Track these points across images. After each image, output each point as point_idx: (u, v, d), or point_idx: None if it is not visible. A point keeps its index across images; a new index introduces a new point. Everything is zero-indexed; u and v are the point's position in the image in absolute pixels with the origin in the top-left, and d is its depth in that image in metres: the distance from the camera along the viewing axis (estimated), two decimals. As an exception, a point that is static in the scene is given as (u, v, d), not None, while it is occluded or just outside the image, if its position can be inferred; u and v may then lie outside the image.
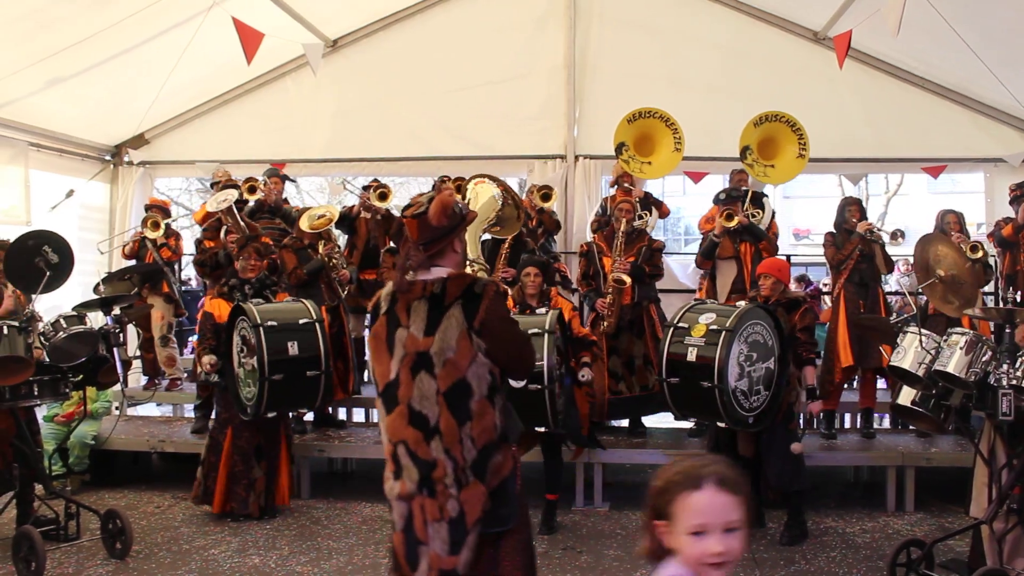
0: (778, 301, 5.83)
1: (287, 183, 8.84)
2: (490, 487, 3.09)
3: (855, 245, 7.19)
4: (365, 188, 8.27)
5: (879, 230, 7.36)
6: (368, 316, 3.25)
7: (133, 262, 8.46)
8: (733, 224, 7.32)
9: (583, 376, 6.04)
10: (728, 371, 5.17)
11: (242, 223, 7.49)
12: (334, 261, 7.48)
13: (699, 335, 5.32)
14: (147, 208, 8.63)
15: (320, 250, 7.44)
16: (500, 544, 3.16)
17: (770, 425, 5.59)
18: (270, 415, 6.15)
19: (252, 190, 8.02)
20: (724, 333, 5.18)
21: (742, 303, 5.65)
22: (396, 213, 7.98)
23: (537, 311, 5.95)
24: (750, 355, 5.28)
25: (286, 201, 8.42)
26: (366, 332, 8.90)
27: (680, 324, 5.52)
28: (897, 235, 7.25)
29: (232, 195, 7.64)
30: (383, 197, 7.99)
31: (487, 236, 7.40)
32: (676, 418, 7.00)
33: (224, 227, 7.56)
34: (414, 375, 3.07)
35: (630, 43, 9.16)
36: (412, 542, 3.08)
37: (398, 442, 3.11)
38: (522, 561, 3.22)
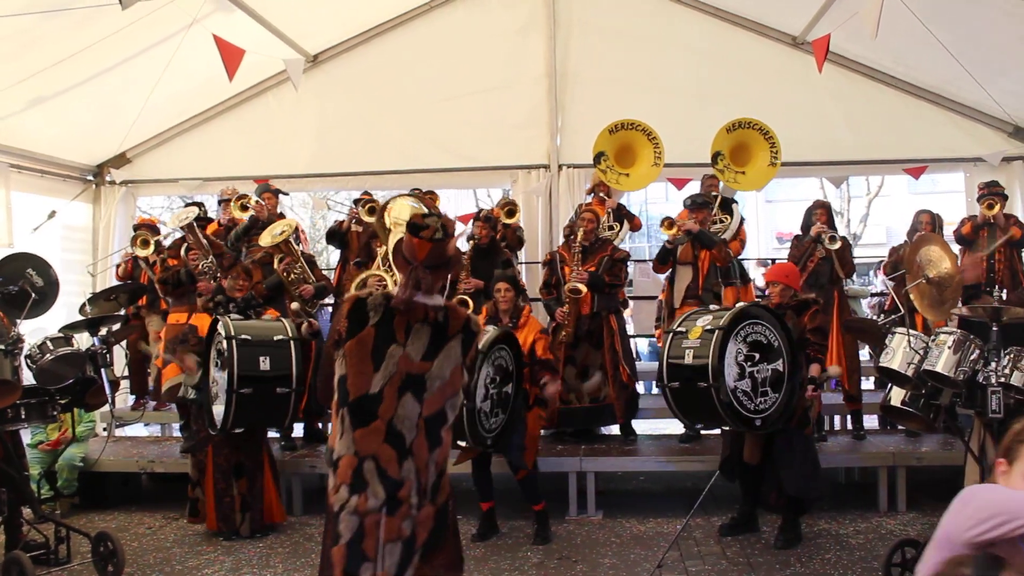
0: (788, 305, 5.82)
1: (282, 197, 8.77)
2: (437, 506, 3.18)
3: (806, 247, 7.25)
4: (356, 202, 8.26)
5: (828, 235, 7.31)
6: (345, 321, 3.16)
7: (128, 283, 8.41)
8: (672, 233, 7.41)
9: (544, 390, 5.89)
10: (724, 370, 5.14)
11: (203, 241, 7.44)
12: (292, 276, 7.43)
13: (695, 337, 5.32)
14: (135, 228, 8.57)
15: (275, 265, 7.41)
16: (433, 559, 3.17)
17: (784, 430, 5.56)
18: (237, 431, 6.04)
19: (244, 208, 7.97)
20: (717, 332, 5.18)
21: (739, 303, 5.63)
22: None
23: (490, 328, 5.77)
24: (751, 355, 5.25)
25: (281, 215, 8.36)
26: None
27: (679, 329, 5.52)
28: (833, 239, 7.25)
29: (192, 212, 7.59)
30: (372, 212, 7.96)
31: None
32: (686, 429, 7.05)
33: (185, 244, 7.51)
34: (400, 395, 3.08)
35: (610, 51, 9.20)
36: (356, 557, 3.03)
37: (367, 456, 3.07)
38: (455, 566, 3.29)
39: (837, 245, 7.11)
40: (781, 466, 5.63)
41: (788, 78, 8.97)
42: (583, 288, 7.07)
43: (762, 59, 9.10)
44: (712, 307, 5.98)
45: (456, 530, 3.38)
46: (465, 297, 6.76)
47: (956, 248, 7.97)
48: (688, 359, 5.33)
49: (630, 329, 9.47)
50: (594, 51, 9.24)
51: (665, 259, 7.56)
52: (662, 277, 8.07)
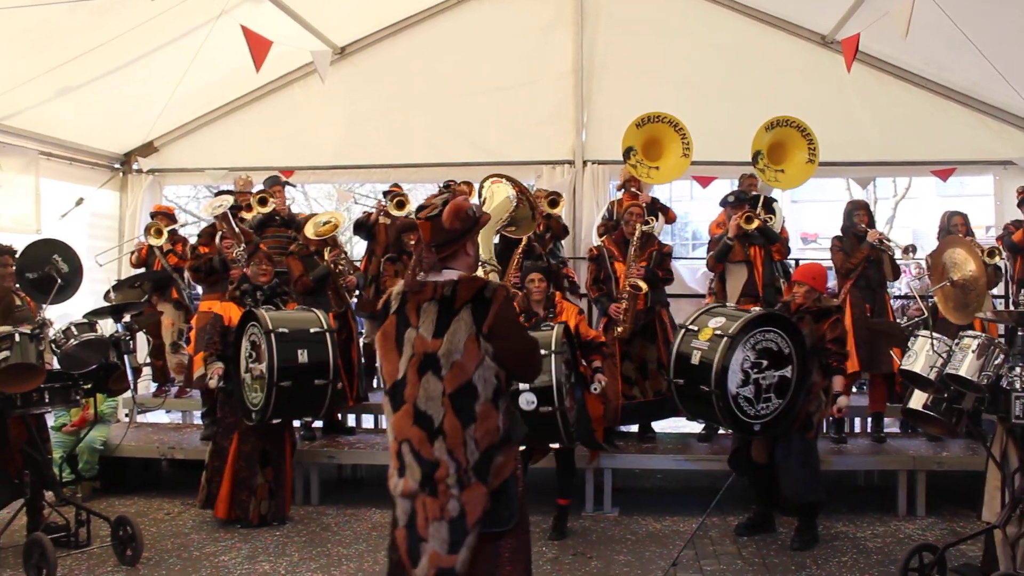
0: (808, 309, 5.78)
1: (291, 190, 8.82)
2: (491, 488, 3.11)
3: (864, 254, 7.17)
4: (385, 194, 8.29)
5: (889, 240, 7.33)
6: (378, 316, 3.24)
7: (142, 270, 8.49)
8: (753, 227, 7.24)
9: (594, 389, 6.01)
10: (728, 378, 5.10)
11: (236, 229, 7.50)
12: (340, 267, 7.48)
13: (705, 339, 5.29)
14: (152, 215, 8.65)
15: (326, 256, 7.45)
16: (500, 545, 3.19)
17: (785, 434, 5.54)
18: (275, 421, 6.16)
19: (263, 202, 8.01)
20: (725, 339, 5.14)
21: (756, 308, 5.59)
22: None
23: (543, 325, 5.84)
24: (758, 362, 5.21)
25: (288, 208, 8.41)
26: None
27: (691, 326, 5.49)
28: (909, 250, 7.22)
29: (227, 201, 7.64)
30: (400, 205, 7.98)
31: (497, 239, 7.43)
32: (689, 419, 7.00)
33: (219, 232, 7.57)
34: (420, 375, 3.10)
35: (637, 47, 9.16)
36: (415, 539, 3.10)
37: (403, 440, 3.14)
38: (523, 566, 3.26)
39: (914, 255, 7.09)
40: (780, 468, 5.61)
41: (816, 77, 8.90)
42: (644, 285, 7.03)
43: (790, 58, 9.04)
44: (728, 305, 5.94)
45: (526, 526, 3.34)
46: (517, 291, 6.69)
47: (1006, 255, 7.86)
48: (695, 359, 5.31)
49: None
50: (620, 47, 9.21)
51: (723, 257, 7.41)
52: (688, 275, 8.02)
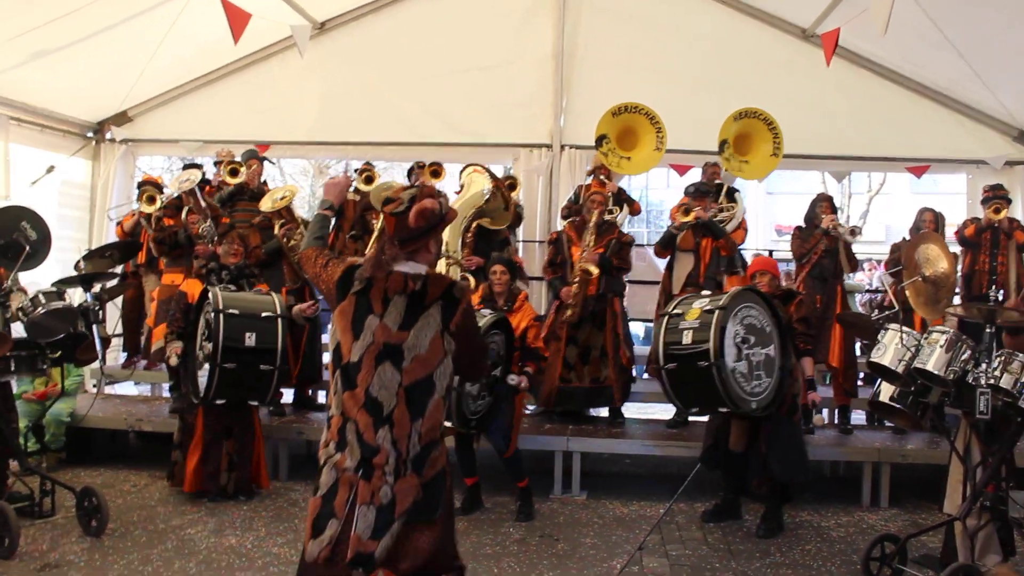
0: (773, 295, 5.83)
1: (268, 165, 8.75)
2: (425, 479, 3.16)
3: (817, 239, 7.29)
4: (357, 171, 8.24)
5: (841, 226, 7.39)
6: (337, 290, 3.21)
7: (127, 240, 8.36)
8: (689, 219, 7.37)
9: (518, 383, 5.90)
10: (724, 350, 5.12)
11: (203, 204, 7.42)
12: (292, 242, 7.41)
13: (693, 318, 5.31)
14: (140, 185, 8.53)
15: (275, 230, 7.39)
16: (420, 532, 3.17)
17: (774, 417, 5.58)
18: (218, 402, 6.08)
19: (234, 173, 7.93)
20: (718, 311, 5.17)
21: (734, 288, 5.63)
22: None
23: (487, 313, 5.77)
24: (747, 338, 5.24)
25: (264, 183, 8.34)
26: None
27: (675, 312, 5.50)
28: (855, 231, 7.32)
29: (195, 176, 7.56)
30: (369, 180, 7.97)
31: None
32: (679, 409, 7.03)
33: (186, 207, 7.48)
34: (377, 364, 3.12)
35: (619, 34, 9.15)
36: (327, 511, 3.14)
37: (350, 419, 3.15)
38: (450, 551, 3.30)
39: (859, 238, 7.15)
40: (769, 451, 5.65)
41: (795, 70, 8.95)
42: (595, 270, 7.05)
43: (770, 50, 9.08)
44: (704, 292, 5.98)
45: (451, 513, 3.35)
46: (467, 275, 6.73)
47: (957, 249, 8.01)
48: (687, 339, 5.31)
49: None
50: (602, 33, 9.20)
51: (669, 244, 7.53)
52: (661, 263, 8.06)
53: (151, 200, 8.04)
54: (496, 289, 6.19)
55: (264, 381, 6.11)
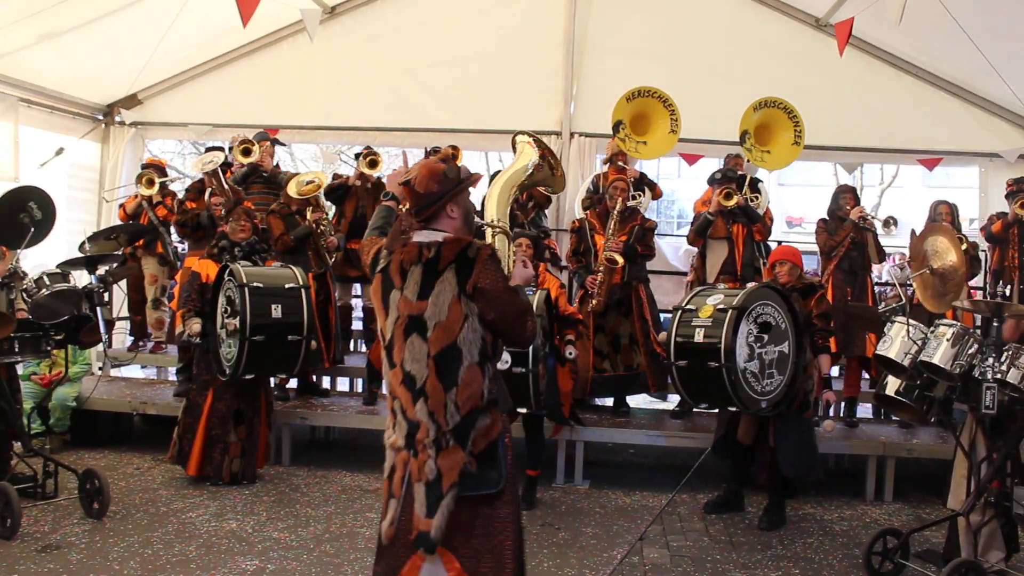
0: (793, 287, 5.78)
1: (280, 149, 8.73)
2: (476, 450, 3.09)
3: (847, 232, 7.21)
4: (357, 156, 8.23)
5: (872, 217, 7.36)
6: (358, 284, 3.25)
7: (130, 223, 8.37)
8: (731, 203, 7.28)
9: (569, 354, 6.01)
10: (736, 351, 5.09)
11: (226, 186, 7.42)
12: (322, 228, 7.42)
13: (706, 315, 5.26)
14: (143, 167, 8.54)
15: (308, 216, 7.39)
16: (491, 514, 3.13)
17: (784, 413, 5.54)
18: (248, 377, 6.13)
19: (246, 152, 7.93)
20: (731, 312, 5.12)
21: (750, 284, 5.59)
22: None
23: (525, 291, 5.86)
24: (760, 336, 5.21)
25: (277, 166, 8.34)
26: (353, 301, 8.84)
27: (688, 307, 5.46)
28: (890, 223, 7.25)
29: (218, 157, 7.57)
30: (373, 164, 7.95)
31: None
32: (687, 403, 7.00)
33: (208, 189, 7.49)
34: (406, 337, 3.10)
35: (630, 22, 9.08)
36: (389, 491, 3.17)
37: (395, 398, 3.18)
38: (514, 537, 3.19)
39: (895, 228, 7.10)
40: (777, 447, 5.61)
41: (808, 60, 8.84)
42: (620, 259, 7.01)
43: (783, 39, 8.98)
44: (720, 286, 5.95)
45: (515, 490, 3.29)
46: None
47: (985, 245, 7.93)
48: (699, 337, 5.28)
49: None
50: (613, 20, 9.13)
51: (703, 232, 7.46)
52: (671, 253, 8.02)
53: (150, 183, 8.05)
54: None
55: (292, 352, 6.20)
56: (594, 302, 7.08)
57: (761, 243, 7.53)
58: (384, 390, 3.27)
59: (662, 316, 9.35)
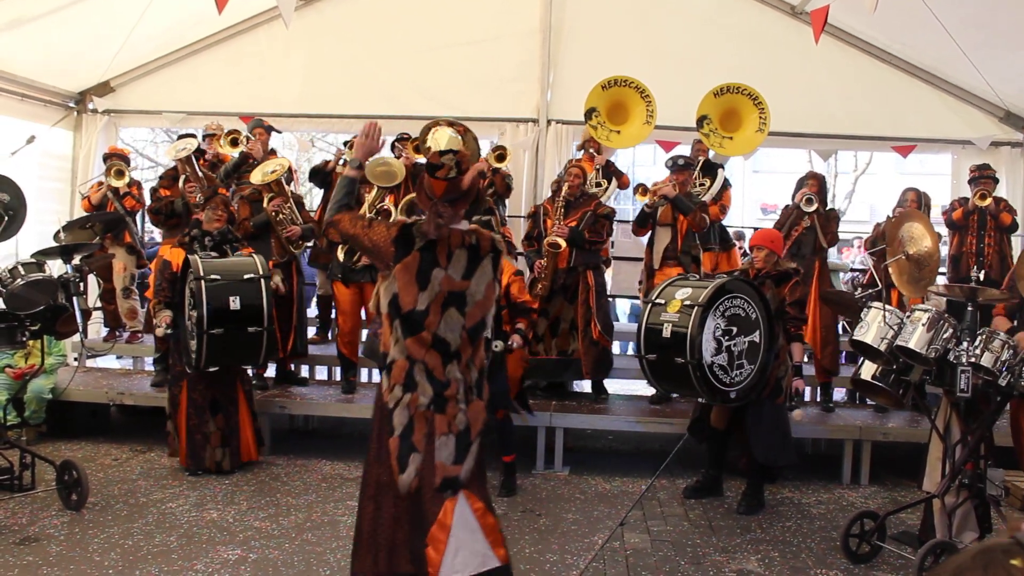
0: (768, 273, 5.82)
1: (274, 135, 8.64)
2: (484, 401, 3.60)
3: (789, 214, 7.33)
4: (345, 144, 8.19)
5: (804, 198, 7.35)
6: (394, 247, 3.43)
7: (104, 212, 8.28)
8: (648, 200, 7.45)
9: (511, 344, 5.87)
10: (703, 346, 5.13)
11: (200, 173, 7.36)
12: (281, 216, 7.37)
13: (674, 311, 5.30)
14: (106, 157, 8.43)
15: (265, 205, 7.34)
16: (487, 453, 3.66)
17: (757, 400, 5.59)
18: (211, 369, 6.09)
19: (234, 143, 7.87)
20: (696, 308, 5.16)
21: (720, 277, 5.61)
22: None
23: None
24: (728, 329, 5.24)
25: (273, 152, 8.25)
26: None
27: (658, 300, 5.49)
28: (810, 200, 7.31)
29: (192, 144, 7.50)
30: None
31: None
32: (658, 393, 7.06)
33: (183, 176, 7.43)
34: (444, 309, 3.45)
35: (607, 10, 9.06)
36: (407, 447, 3.42)
37: (417, 361, 3.45)
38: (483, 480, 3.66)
39: (813, 207, 7.16)
40: (752, 434, 5.67)
41: (784, 47, 8.87)
42: (562, 243, 7.06)
43: (759, 26, 9.00)
44: (692, 276, 5.97)
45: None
46: None
47: (945, 232, 8.03)
48: (666, 332, 5.32)
49: (610, 289, 9.50)
50: (589, 8, 9.11)
51: (644, 222, 7.60)
52: (643, 240, 8.05)
53: (120, 174, 7.97)
54: None
55: (254, 344, 6.16)
56: (539, 286, 7.18)
57: (702, 232, 7.51)
58: (393, 355, 3.37)
59: (630, 303, 9.33)
